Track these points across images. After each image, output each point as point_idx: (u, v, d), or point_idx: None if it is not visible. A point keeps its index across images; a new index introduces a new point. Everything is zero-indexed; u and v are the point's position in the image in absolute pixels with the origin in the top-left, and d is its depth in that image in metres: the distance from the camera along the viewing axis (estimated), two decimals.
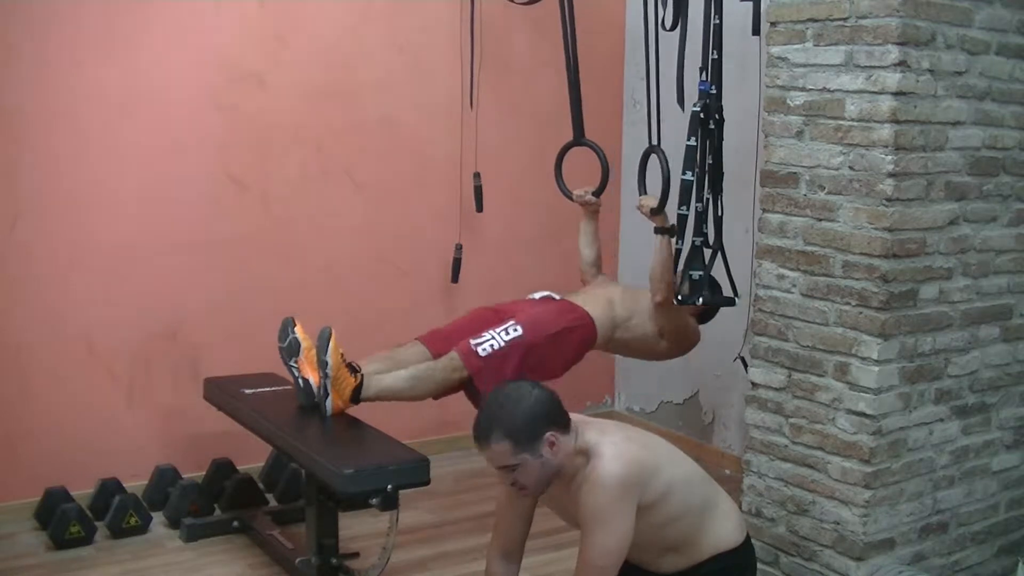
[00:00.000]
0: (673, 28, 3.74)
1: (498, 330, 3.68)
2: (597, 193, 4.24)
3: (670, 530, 2.71)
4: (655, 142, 3.91)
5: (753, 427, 3.32)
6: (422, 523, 4.13)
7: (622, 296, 3.96)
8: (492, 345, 3.64)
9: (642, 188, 3.98)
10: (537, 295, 3.97)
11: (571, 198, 4.28)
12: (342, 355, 3.56)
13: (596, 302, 3.91)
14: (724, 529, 2.77)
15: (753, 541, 3.31)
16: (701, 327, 4.05)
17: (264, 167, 4.36)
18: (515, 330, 3.68)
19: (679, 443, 4.99)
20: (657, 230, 3.72)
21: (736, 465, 4.34)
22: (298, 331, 3.63)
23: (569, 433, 2.65)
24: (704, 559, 2.74)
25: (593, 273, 4.26)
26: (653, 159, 3.89)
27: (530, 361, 3.68)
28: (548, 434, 2.59)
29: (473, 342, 3.64)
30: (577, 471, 2.65)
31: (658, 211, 3.70)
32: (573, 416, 2.73)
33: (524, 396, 2.63)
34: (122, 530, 3.91)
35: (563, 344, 3.79)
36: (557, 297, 3.94)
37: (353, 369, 3.59)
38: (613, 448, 2.63)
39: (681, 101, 3.77)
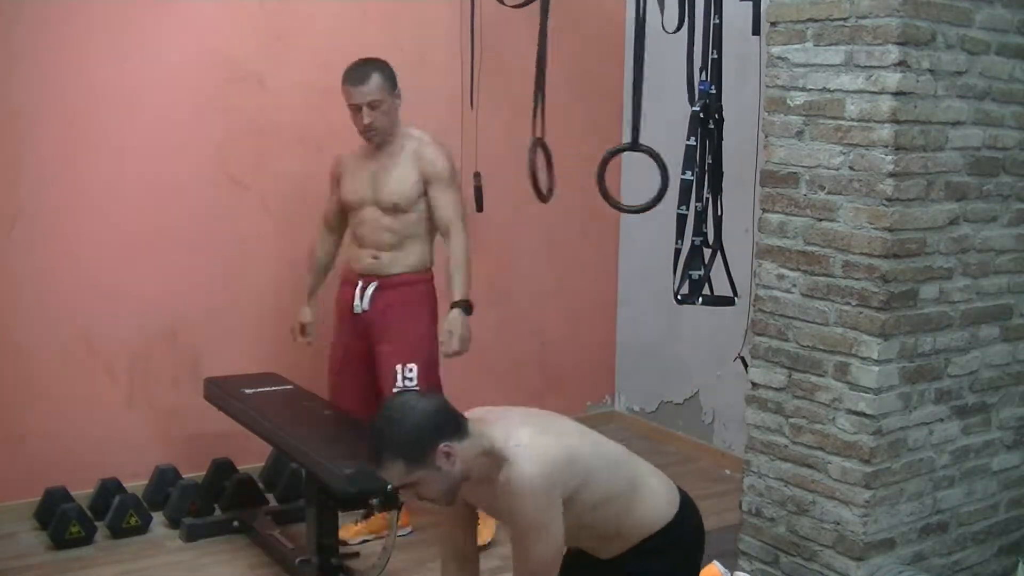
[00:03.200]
0: (677, 31, 3.73)
1: None
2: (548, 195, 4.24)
3: (598, 516, 2.59)
4: (635, 139, 3.86)
5: (753, 427, 3.32)
6: (422, 523, 4.13)
7: None
8: None
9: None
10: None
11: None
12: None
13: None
14: (654, 508, 2.64)
15: (753, 540, 3.32)
16: (700, 328, 4.06)
17: (264, 167, 4.36)
18: None
19: (679, 443, 5.05)
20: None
21: (736, 465, 4.33)
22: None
23: (468, 438, 2.48)
24: (638, 541, 2.62)
25: None
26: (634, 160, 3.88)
27: None
28: (441, 446, 2.43)
29: None
30: (490, 473, 2.50)
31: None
32: (475, 411, 2.62)
33: (409, 411, 2.47)
34: (122, 530, 3.92)
35: None
36: None
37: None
38: (524, 450, 2.48)
39: (692, 100, 3.76)
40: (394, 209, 3.76)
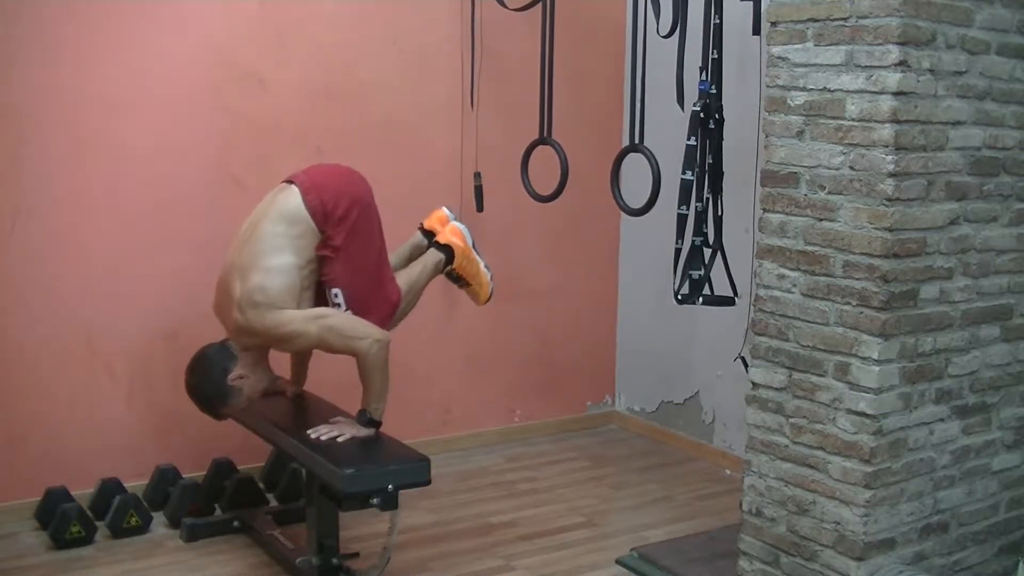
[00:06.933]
0: (669, 35, 3.73)
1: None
2: (556, 193, 4.26)
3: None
4: (637, 141, 3.88)
5: (753, 427, 3.32)
6: (422, 523, 4.13)
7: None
8: None
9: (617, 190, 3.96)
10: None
11: (537, 198, 4.32)
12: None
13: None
14: None
15: (754, 540, 3.33)
16: (700, 328, 4.06)
17: (264, 167, 4.36)
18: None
19: (679, 443, 5.05)
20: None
21: (737, 465, 4.34)
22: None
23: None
24: None
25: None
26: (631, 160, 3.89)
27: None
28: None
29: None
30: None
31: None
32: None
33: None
34: (122, 530, 3.92)
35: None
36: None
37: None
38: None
39: (681, 101, 3.77)
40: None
